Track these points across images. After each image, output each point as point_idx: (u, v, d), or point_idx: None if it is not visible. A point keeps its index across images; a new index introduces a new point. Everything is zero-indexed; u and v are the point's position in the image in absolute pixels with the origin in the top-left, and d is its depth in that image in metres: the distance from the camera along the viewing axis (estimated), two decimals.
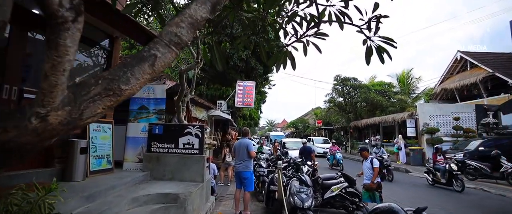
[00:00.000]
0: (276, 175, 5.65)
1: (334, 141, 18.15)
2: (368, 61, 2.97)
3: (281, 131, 55.46)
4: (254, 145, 6.71)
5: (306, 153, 8.95)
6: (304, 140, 9.57)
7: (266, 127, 77.19)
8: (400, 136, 16.05)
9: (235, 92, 11.01)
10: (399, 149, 15.86)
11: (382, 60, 2.90)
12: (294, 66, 3.33)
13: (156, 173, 5.35)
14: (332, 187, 5.72)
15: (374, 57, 2.82)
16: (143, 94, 6.08)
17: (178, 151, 5.38)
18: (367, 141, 21.67)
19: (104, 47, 5.35)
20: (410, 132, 15.91)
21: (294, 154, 11.61)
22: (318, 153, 19.53)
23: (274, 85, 26.74)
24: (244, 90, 11.21)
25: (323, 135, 35.88)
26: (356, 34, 2.93)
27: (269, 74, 15.73)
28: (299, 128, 45.72)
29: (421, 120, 15.52)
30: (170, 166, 5.31)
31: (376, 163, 5.46)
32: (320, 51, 3.13)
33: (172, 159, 5.33)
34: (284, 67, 3.31)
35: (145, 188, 4.51)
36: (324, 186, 5.82)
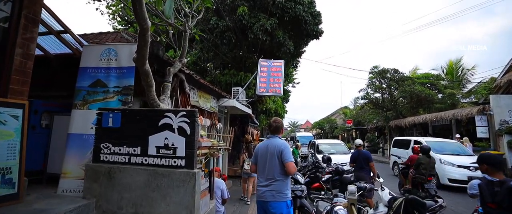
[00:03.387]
0: (338, 209, 2.88)
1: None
2: None
3: (305, 132, 52.13)
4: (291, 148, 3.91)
5: (361, 160, 6.06)
6: (359, 141, 6.64)
7: (289, 128, 74.21)
8: (465, 138, 12.55)
9: (256, 75, 8.28)
10: None
11: None
12: None
13: (107, 203, 2.79)
14: None
15: None
16: (100, 62, 3.57)
17: (148, 161, 2.80)
18: None
19: None
20: (481, 132, 12.36)
21: (334, 159, 8.74)
22: (453, 179, 8.15)
23: (298, 83, 23.90)
24: (269, 72, 8.37)
25: (354, 136, 32.31)
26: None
27: (299, 60, 12.58)
28: (326, 129, 42.29)
29: (497, 117, 11.96)
30: (132, 191, 2.74)
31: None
32: None
33: (135, 177, 2.76)
34: None
35: None
36: None
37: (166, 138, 2.76)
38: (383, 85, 22.12)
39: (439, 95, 20.84)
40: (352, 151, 14.79)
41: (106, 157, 2.88)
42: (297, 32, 9.80)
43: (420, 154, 6.78)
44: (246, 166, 6.87)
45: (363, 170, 6.00)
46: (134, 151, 2.83)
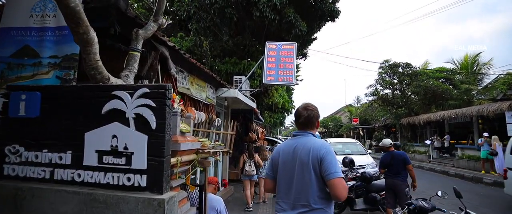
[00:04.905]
0: None
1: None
2: None
3: None
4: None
5: (396, 164, 4.79)
6: (388, 140, 5.34)
7: (291, 127, 73.03)
8: (495, 137, 11.27)
9: (262, 62, 6.93)
10: (493, 154, 11.11)
11: None
12: None
13: None
14: None
15: None
16: (30, 20, 2.33)
17: (83, 177, 1.56)
18: (428, 142, 17.03)
19: None
20: None
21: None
22: None
23: (301, 80, 22.58)
24: (278, 57, 6.97)
25: (361, 135, 31.04)
26: None
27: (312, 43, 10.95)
28: (330, 127, 41.03)
29: None
30: None
31: None
32: None
33: (60, 206, 1.52)
34: None
35: None
36: None
37: (114, 136, 1.52)
38: (394, 80, 20.84)
39: (455, 91, 19.62)
40: (368, 150, 13.49)
41: (14, 170, 1.65)
42: (310, 12, 8.45)
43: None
44: (248, 168, 5.69)
45: (399, 176, 4.72)
46: (61, 159, 1.59)
